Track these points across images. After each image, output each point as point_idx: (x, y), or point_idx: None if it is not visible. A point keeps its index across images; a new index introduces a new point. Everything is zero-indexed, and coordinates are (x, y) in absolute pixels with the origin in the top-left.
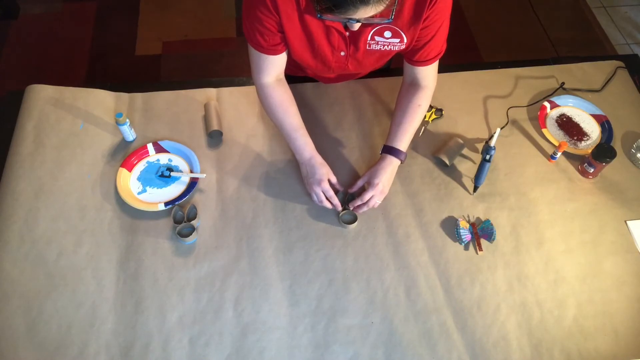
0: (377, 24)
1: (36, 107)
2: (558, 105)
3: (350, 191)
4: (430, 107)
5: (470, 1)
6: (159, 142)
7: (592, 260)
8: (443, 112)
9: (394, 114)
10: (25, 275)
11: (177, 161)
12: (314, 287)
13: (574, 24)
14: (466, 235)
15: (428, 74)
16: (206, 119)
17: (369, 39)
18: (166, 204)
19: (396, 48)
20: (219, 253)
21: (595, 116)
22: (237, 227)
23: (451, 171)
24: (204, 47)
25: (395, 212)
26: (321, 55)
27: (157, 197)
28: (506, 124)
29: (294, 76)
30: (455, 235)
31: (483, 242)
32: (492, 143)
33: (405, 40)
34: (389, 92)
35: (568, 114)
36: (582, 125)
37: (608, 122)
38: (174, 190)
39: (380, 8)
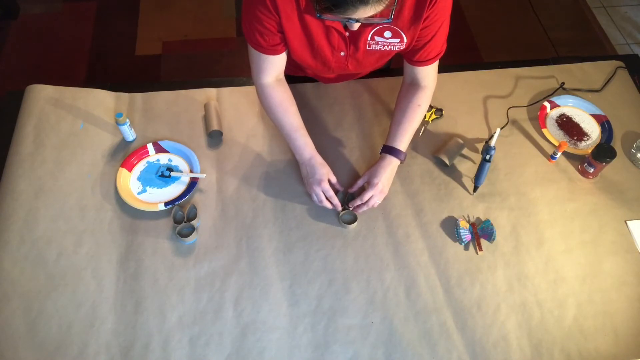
0: (377, 24)
1: (36, 107)
2: (558, 105)
3: (350, 191)
4: (430, 107)
5: (470, 1)
6: (159, 142)
7: (592, 260)
8: (443, 112)
9: (393, 114)
10: (25, 275)
11: (177, 161)
12: (314, 287)
13: (574, 24)
14: (466, 235)
15: (428, 74)
16: (206, 119)
17: (369, 39)
18: (166, 204)
19: (396, 48)
20: (219, 253)
21: (595, 116)
22: (237, 227)
23: (451, 171)
24: (204, 47)
25: (395, 212)
26: (321, 55)
27: (157, 197)
28: (506, 124)
29: (294, 76)
30: (455, 235)
31: (483, 242)
32: (492, 143)
33: (405, 41)
34: (389, 92)
35: (568, 114)
36: (582, 125)
37: (608, 122)
38: (174, 190)
39: (379, 8)
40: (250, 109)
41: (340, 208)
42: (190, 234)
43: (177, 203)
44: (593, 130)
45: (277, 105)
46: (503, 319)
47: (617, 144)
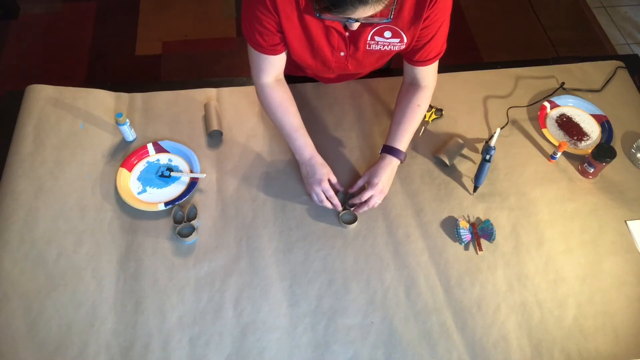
0: (377, 24)
1: (36, 107)
2: (558, 105)
3: (351, 191)
4: (430, 107)
5: (470, 1)
6: (159, 142)
7: (592, 260)
8: (443, 112)
9: (393, 113)
10: (25, 275)
11: (177, 161)
12: (314, 287)
13: (574, 24)
14: (466, 235)
15: (428, 74)
16: (206, 119)
17: (368, 39)
18: (166, 204)
19: (396, 48)
20: (219, 253)
21: (595, 116)
22: (237, 227)
23: (451, 171)
24: (204, 47)
25: (395, 212)
26: (321, 55)
27: (157, 197)
28: (506, 124)
29: (294, 76)
30: (455, 235)
31: (483, 242)
32: (492, 143)
33: (405, 40)
34: (389, 92)
35: (568, 114)
36: (582, 125)
37: (608, 122)
38: (174, 190)
39: (378, 8)
40: (250, 109)
41: (340, 208)
42: (190, 234)
43: (177, 203)
44: (593, 130)
45: (277, 106)
46: (503, 319)
47: (617, 144)
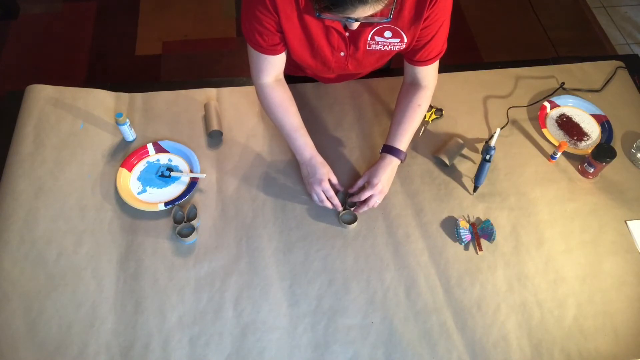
0: (377, 24)
1: (36, 107)
2: (558, 105)
3: (351, 191)
4: (430, 107)
5: (470, 1)
6: (159, 142)
7: (592, 260)
8: (443, 112)
9: (394, 113)
10: (25, 275)
11: (177, 161)
12: (314, 287)
13: (574, 24)
14: (466, 235)
15: (428, 74)
16: (206, 119)
17: (369, 39)
18: (166, 204)
19: (396, 48)
20: (219, 253)
21: (595, 116)
22: (237, 227)
23: (451, 171)
24: (204, 47)
25: (395, 212)
26: (321, 55)
27: (157, 197)
28: (506, 124)
29: (294, 76)
30: (455, 235)
31: (483, 242)
32: (492, 143)
33: (405, 40)
34: (389, 92)
35: (568, 114)
36: (582, 125)
37: (608, 122)
38: (174, 190)
39: (378, 7)
40: (250, 109)
41: (340, 208)
42: (190, 234)
43: (177, 203)
44: (593, 130)
45: (277, 106)
46: (503, 319)
47: (617, 144)
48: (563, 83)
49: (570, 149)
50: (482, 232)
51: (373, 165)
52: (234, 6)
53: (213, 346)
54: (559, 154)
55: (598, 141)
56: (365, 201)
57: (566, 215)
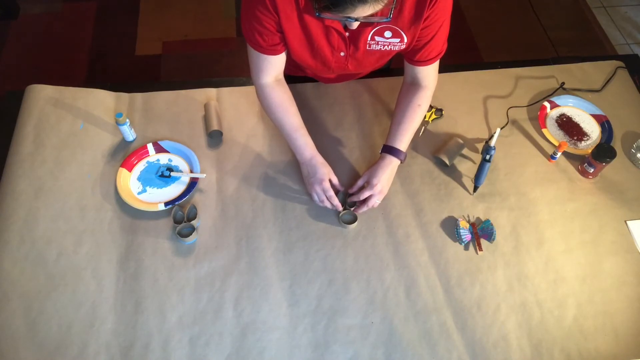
0: (377, 24)
1: (36, 107)
2: (558, 105)
3: (351, 191)
4: (430, 107)
5: (470, 1)
6: (159, 142)
7: (592, 260)
8: (443, 112)
9: (394, 113)
10: (25, 275)
11: (177, 161)
12: (314, 287)
13: (574, 24)
14: (466, 235)
15: (428, 74)
16: (206, 119)
17: (369, 39)
18: (166, 204)
19: (396, 48)
20: (219, 253)
21: (595, 116)
22: (237, 227)
23: (451, 171)
24: (204, 47)
25: (395, 212)
26: (321, 55)
27: (157, 197)
28: (506, 124)
29: (294, 76)
30: (455, 235)
31: (483, 242)
32: (492, 143)
33: (405, 40)
34: (389, 92)
35: (568, 114)
36: (582, 125)
37: (608, 122)
38: (174, 190)
39: (378, 7)
40: (250, 109)
41: (340, 208)
42: (190, 234)
43: (177, 203)
44: (593, 130)
45: (277, 106)
46: (503, 319)
47: (617, 144)
48: (563, 83)
49: (570, 149)
50: (482, 232)
51: (373, 165)
52: (234, 6)
53: (213, 346)
54: (559, 154)
55: (598, 141)
56: (365, 201)
57: (566, 215)
